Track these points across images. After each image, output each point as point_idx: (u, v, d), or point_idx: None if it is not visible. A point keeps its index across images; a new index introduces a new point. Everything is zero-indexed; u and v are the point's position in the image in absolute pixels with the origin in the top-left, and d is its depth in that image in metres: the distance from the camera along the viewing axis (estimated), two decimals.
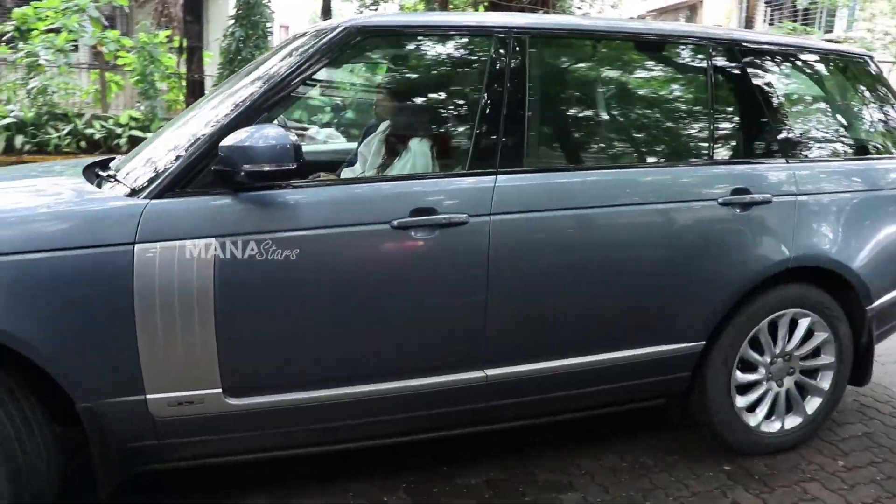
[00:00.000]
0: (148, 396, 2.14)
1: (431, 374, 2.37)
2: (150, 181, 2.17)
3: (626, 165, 2.70)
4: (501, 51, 2.46)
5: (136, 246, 2.05)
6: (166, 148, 2.36)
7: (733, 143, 2.87)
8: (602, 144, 2.78)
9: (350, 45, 2.37)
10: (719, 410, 2.79)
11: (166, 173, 2.16)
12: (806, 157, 2.92)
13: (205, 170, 2.14)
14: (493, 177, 2.37)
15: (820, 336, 2.90)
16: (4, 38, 11.93)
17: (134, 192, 2.17)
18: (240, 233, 2.11)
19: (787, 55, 3.06)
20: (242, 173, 2.05)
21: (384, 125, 2.99)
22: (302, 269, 2.17)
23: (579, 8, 12.80)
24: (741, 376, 2.81)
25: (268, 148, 2.03)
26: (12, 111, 11.51)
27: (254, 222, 2.14)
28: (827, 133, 3.14)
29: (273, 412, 2.26)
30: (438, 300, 2.34)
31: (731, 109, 2.89)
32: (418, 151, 2.57)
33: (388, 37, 2.53)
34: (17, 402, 2.06)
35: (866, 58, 3.28)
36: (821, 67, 3.21)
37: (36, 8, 11.56)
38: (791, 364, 2.89)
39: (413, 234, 2.26)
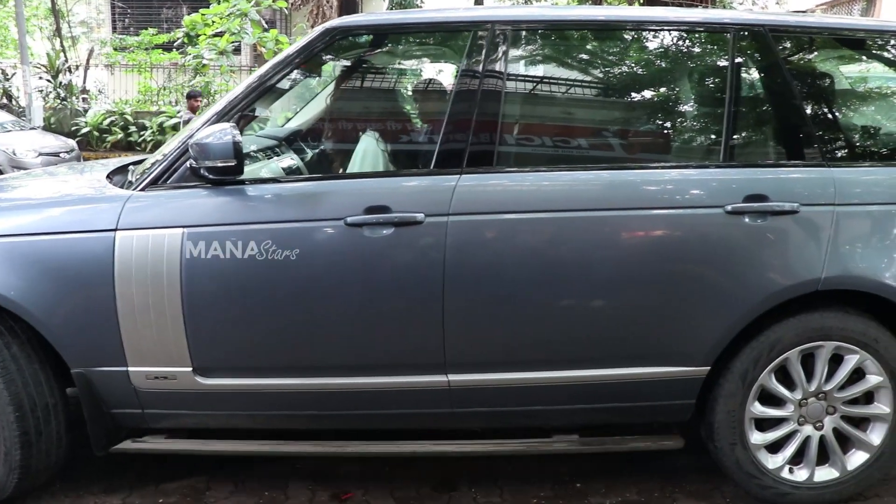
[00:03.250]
0: (129, 369, 2.49)
1: (389, 374, 2.50)
2: (141, 175, 2.54)
3: (612, 166, 2.60)
4: (478, 45, 2.53)
5: (118, 233, 2.40)
6: (168, 144, 2.72)
7: (756, 143, 2.68)
8: (587, 143, 2.71)
9: (329, 43, 2.59)
10: (726, 444, 2.63)
11: (153, 167, 2.51)
12: (853, 160, 2.64)
13: (183, 166, 2.46)
14: (457, 176, 2.45)
15: (873, 379, 2.60)
16: (175, 44, 13.58)
17: (129, 186, 2.55)
18: (204, 224, 2.40)
19: (832, 40, 2.80)
20: (202, 169, 2.34)
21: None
22: (259, 262, 2.39)
23: (741, 3, 12.14)
24: (760, 409, 2.62)
25: (216, 146, 2.30)
26: (179, 112, 13.08)
27: (217, 215, 2.41)
28: (884, 132, 2.81)
29: (238, 394, 2.52)
30: (392, 299, 2.45)
31: (755, 105, 2.70)
32: (369, 147, 2.71)
33: (367, 35, 2.71)
34: (30, 362, 2.50)
35: None
36: (876, 53, 2.86)
37: (203, 14, 13.02)
38: (830, 405, 2.63)
39: (366, 231, 2.40)
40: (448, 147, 2.50)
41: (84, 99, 15.12)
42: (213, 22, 12.90)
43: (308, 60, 2.60)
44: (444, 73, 2.75)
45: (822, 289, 2.50)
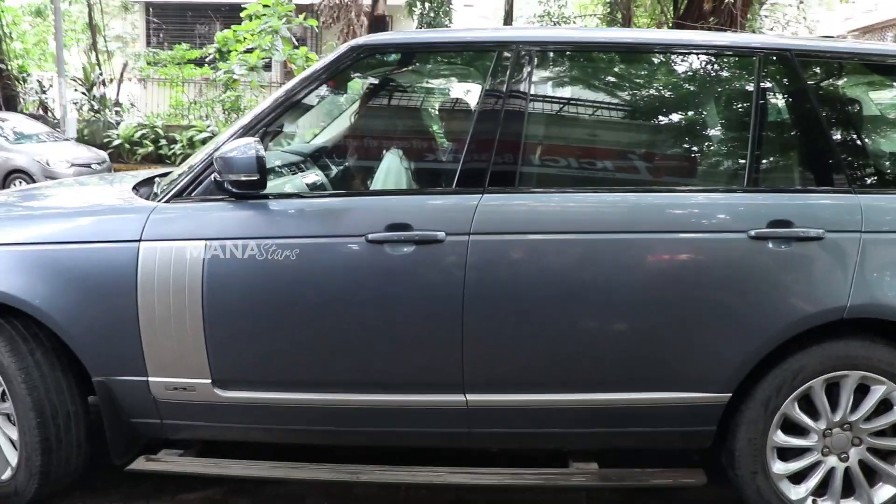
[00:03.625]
0: (150, 379, 2.51)
1: (407, 392, 2.50)
2: (166, 188, 2.58)
3: (636, 189, 2.60)
4: (503, 65, 2.54)
5: (142, 244, 2.44)
6: (194, 157, 2.76)
7: (781, 168, 2.66)
8: (609, 165, 2.71)
9: (354, 61, 2.62)
10: (747, 472, 2.58)
11: (178, 180, 2.55)
12: (881, 187, 2.60)
13: (208, 179, 2.50)
14: (479, 196, 2.45)
15: None
16: (207, 60, 13.83)
17: (154, 198, 2.59)
18: (227, 237, 2.42)
19: (860, 65, 2.76)
20: (226, 183, 2.37)
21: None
22: (280, 276, 2.41)
23: (771, 29, 12.09)
24: (783, 438, 2.57)
25: (240, 160, 2.33)
26: (209, 126, 13.28)
27: (240, 228, 2.44)
28: None
29: (255, 408, 2.53)
30: (412, 317, 2.45)
31: (781, 129, 2.68)
32: (392, 165, 2.73)
33: (392, 54, 2.75)
34: (53, 369, 2.54)
35: None
36: None
37: (235, 31, 13.25)
38: (856, 436, 2.56)
39: (387, 248, 2.41)
40: (470, 166, 2.51)
41: (117, 111, 15.43)
42: (245, 38, 13.10)
43: (333, 77, 2.63)
44: (469, 93, 2.77)
45: (848, 317, 2.45)
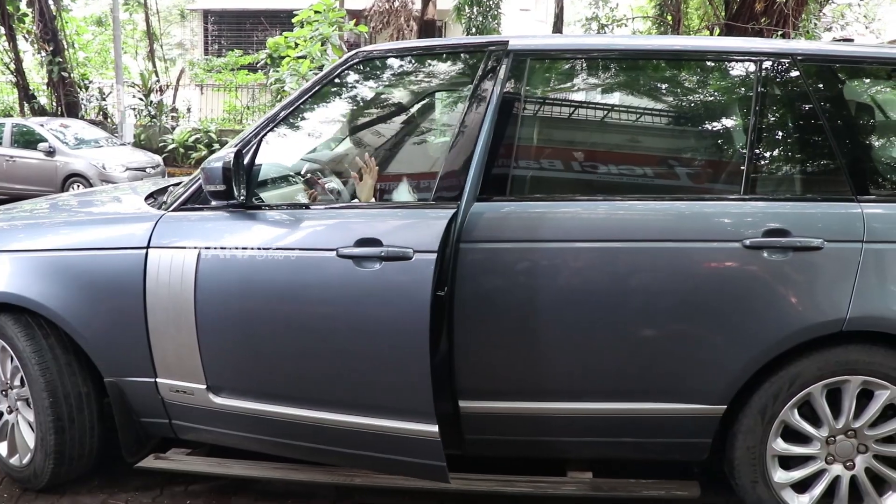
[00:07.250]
0: (158, 380, 2.67)
1: (380, 416, 2.45)
2: (174, 197, 2.75)
3: (632, 197, 2.56)
4: (492, 69, 2.56)
5: (149, 250, 2.61)
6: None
7: (780, 175, 2.61)
8: (604, 171, 2.69)
9: (350, 70, 2.73)
10: (747, 481, 2.57)
11: (185, 189, 2.72)
12: (887, 196, 2.52)
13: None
14: (452, 210, 2.40)
15: None
16: (259, 65, 14.25)
17: (164, 207, 2.75)
18: (213, 246, 2.55)
19: (868, 69, 2.72)
20: (207, 193, 2.52)
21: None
22: (257, 287, 2.51)
23: (828, 30, 11.70)
24: (783, 446, 2.55)
25: (211, 171, 2.45)
26: None
27: (223, 238, 2.56)
28: None
29: (244, 416, 2.63)
30: (378, 335, 2.40)
31: (781, 135, 2.63)
32: (402, 189, 2.81)
33: (389, 61, 2.84)
34: (65, 352, 2.73)
35: None
36: None
37: (286, 37, 13.59)
38: (862, 443, 2.54)
39: (357, 264, 2.39)
40: (451, 175, 2.51)
41: (173, 117, 16.01)
42: (296, 45, 13.43)
43: (329, 86, 2.71)
44: (458, 102, 2.81)
45: (847, 329, 2.41)
